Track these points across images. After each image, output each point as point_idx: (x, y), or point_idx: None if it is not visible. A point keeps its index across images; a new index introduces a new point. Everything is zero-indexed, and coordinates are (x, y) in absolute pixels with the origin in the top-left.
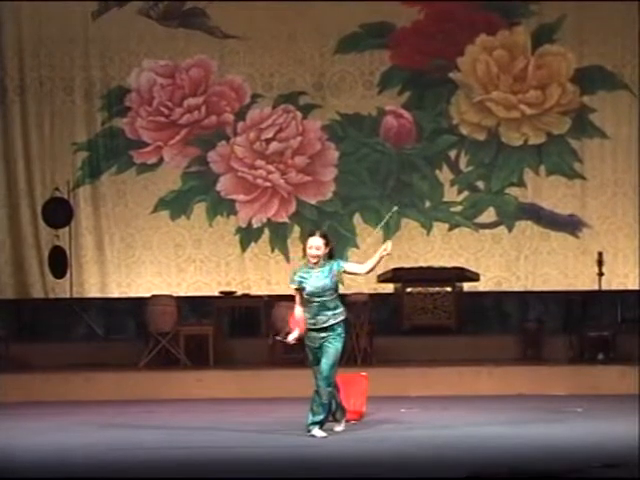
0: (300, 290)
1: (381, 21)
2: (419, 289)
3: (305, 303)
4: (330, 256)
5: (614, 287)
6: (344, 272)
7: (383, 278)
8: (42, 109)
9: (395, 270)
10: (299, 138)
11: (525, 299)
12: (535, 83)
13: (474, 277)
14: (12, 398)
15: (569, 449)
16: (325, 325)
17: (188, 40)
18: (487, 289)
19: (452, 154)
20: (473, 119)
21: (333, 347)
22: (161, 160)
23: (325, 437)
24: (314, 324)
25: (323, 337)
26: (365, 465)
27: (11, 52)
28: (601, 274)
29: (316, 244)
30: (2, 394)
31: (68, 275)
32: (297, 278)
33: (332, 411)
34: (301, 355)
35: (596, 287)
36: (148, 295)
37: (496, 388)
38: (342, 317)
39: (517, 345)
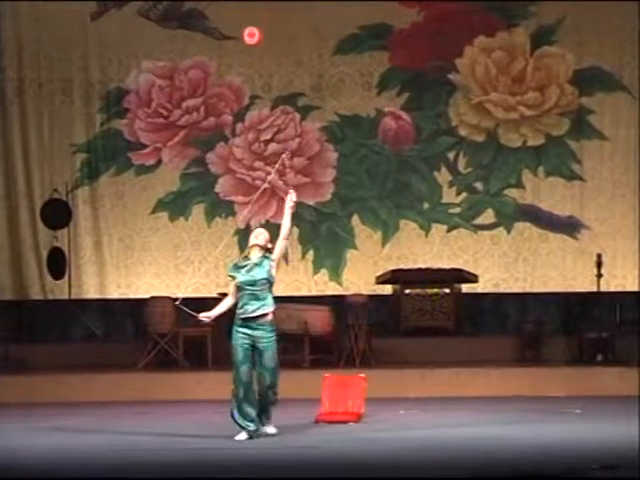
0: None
1: (380, 22)
2: (417, 290)
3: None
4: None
5: (613, 289)
6: (275, 260)
7: (382, 280)
8: (41, 110)
9: (393, 271)
10: (298, 139)
11: (524, 300)
12: (534, 84)
13: (473, 278)
14: (11, 399)
15: (568, 450)
16: (252, 315)
17: (187, 41)
18: (486, 290)
19: (451, 155)
20: (472, 120)
21: (269, 351)
22: (160, 161)
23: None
24: (242, 313)
25: (255, 337)
26: (364, 466)
27: (10, 53)
28: (600, 275)
29: (262, 231)
30: (1, 395)
31: (67, 276)
32: (233, 272)
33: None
34: (298, 357)
35: (595, 288)
36: (147, 296)
37: (495, 389)
38: (270, 309)
39: (516, 346)
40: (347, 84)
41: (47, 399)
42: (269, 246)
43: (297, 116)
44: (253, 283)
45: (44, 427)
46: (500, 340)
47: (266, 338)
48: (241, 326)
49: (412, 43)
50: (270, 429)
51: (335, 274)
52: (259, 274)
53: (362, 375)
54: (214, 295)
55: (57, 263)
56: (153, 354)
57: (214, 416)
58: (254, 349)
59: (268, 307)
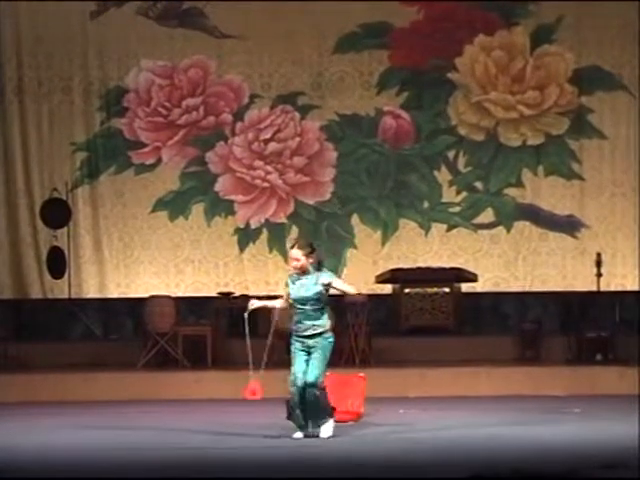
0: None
1: (380, 21)
2: (417, 290)
3: (292, 308)
4: (319, 265)
5: (612, 288)
6: (331, 286)
7: (381, 279)
8: (40, 109)
9: (393, 271)
10: (297, 138)
11: (523, 300)
12: (533, 84)
13: (472, 278)
14: (10, 398)
15: (567, 450)
16: (305, 334)
17: (186, 40)
18: (485, 290)
19: (450, 154)
20: (471, 119)
21: (318, 351)
22: (159, 160)
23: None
24: (296, 330)
25: (310, 344)
26: (364, 466)
27: (9, 52)
28: (599, 275)
29: (295, 256)
30: (0, 394)
31: (66, 275)
32: (288, 282)
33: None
34: None
35: (594, 288)
36: (146, 295)
37: (494, 389)
38: (322, 329)
39: (515, 346)
40: (347, 83)
41: (46, 398)
42: (309, 261)
43: (297, 115)
44: (304, 302)
45: (43, 426)
46: (500, 339)
47: (319, 342)
48: (298, 337)
49: (412, 42)
50: (322, 432)
51: (335, 273)
52: (308, 292)
53: (362, 374)
54: (214, 294)
55: (57, 262)
56: (153, 353)
57: (213, 415)
58: (309, 354)
59: (321, 327)
